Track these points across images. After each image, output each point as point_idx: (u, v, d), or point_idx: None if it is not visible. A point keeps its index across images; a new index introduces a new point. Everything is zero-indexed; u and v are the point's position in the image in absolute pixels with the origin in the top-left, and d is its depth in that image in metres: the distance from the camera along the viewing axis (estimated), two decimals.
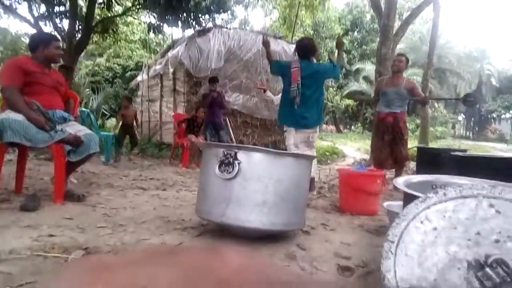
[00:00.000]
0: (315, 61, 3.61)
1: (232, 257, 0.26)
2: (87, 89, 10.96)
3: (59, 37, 3.07)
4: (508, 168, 2.57)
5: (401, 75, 4.23)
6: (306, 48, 3.45)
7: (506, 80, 28.05)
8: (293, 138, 3.47)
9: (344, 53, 3.65)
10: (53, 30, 8.25)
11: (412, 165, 5.80)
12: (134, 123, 6.49)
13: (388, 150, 4.19)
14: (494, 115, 31.52)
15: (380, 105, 4.33)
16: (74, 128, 2.61)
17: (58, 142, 2.43)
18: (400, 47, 21.36)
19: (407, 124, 4.33)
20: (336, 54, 3.60)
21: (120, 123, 6.20)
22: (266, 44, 3.76)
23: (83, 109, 7.11)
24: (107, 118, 10.99)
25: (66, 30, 8.20)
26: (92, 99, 9.89)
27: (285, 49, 8.03)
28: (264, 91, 4.54)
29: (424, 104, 4.20)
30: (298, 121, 3.44)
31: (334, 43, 4.00)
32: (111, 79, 20.13)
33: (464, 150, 4.22)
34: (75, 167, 2.78)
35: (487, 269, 0.93)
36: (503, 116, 31.51)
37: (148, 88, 9.37)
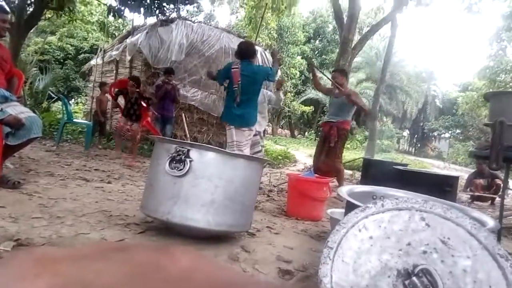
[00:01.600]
0: (256, 63, 3.75)
1: (181, 256, 0.25)
2: (34, 68, 10.26)
3: (7, 8, 2.83)
4: (441, 184, 2.81)
5: (345, 87, 4.45)
6: (245, 51, 3.59)
7: (448, 102, 30.29)
8: (234, 136, 3.52)
9: (279, 63, 3.93)
10: (1, 0, 7.60)
11: (358, 174, 6.08)
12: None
13: (323, 157, 4.45)
14: (435, 133, 33.89)
15: (325, 115, 4.62)
16: (16, 109, 2.43)
17: None
18: (357, 60, 22.35)
19: (347, 134, 4.50)
20: (273, 62, 3.90)
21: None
22: (210, 76, 3.96)
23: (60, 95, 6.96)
24: (54, 101, 10.33)
25: (16, 2, 7.59)
26: (39, 79, 9.27)
27: None
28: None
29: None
30: (237, 119, 3.51)
31: (271, 53, 4.18)
32: (62, 60, 18.95)
33: (405, 164, 4.52)
34: (13, 151, 2.59)
35: (414, 278, 1.00)
36: (442, 135, 33.98)
37: (102, 73, 8.94)
